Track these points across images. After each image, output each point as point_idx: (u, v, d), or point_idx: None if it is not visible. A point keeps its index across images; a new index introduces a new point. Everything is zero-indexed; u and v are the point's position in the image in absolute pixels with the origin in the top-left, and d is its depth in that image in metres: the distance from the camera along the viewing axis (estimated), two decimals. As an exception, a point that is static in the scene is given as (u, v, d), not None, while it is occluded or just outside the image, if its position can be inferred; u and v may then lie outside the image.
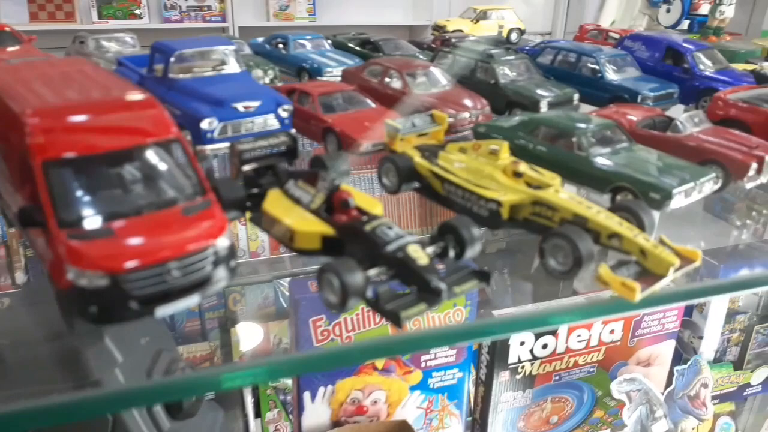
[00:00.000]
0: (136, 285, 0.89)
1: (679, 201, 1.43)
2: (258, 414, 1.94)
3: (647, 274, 1.09)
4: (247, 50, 2.80)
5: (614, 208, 1.23)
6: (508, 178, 1.30)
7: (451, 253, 1.10)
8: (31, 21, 5.65)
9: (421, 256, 1.01)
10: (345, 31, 3.59)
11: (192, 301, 0.96)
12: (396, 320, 0.95)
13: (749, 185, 1.63)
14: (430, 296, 0.98)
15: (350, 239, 1.08)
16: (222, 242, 0.97)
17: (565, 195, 1.24)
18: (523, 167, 1.30)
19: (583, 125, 1.63)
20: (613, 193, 1.50)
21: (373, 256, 1.02)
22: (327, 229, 1.11)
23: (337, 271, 0.95)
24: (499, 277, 2.68)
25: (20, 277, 2.56)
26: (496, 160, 1.34)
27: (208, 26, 6.10)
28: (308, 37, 2.89)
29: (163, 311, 0.92)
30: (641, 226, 1.20)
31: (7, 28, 2.55)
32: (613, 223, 1.16)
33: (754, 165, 1.61)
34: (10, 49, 2.42)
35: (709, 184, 1.51)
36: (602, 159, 1.56)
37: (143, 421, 1.12)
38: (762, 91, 2.01)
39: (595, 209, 1.19)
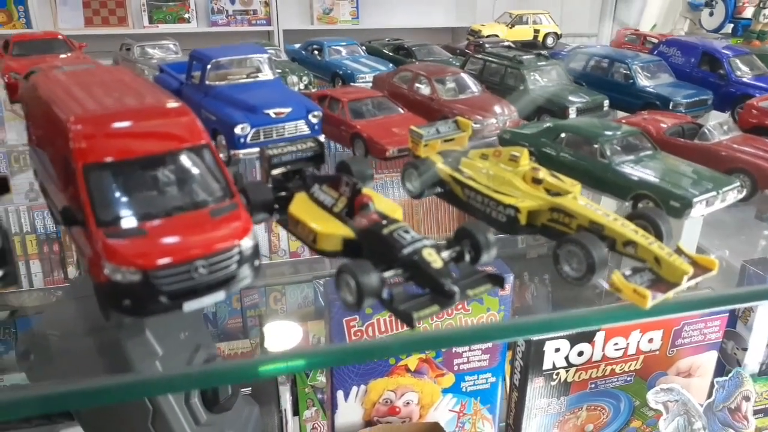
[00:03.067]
0: (166, 281, 0.95)
1: (699, 210, 1.43)
2: (296, 412, 2.00)
3: (661, 282, 1.11)
4: (284, 56, 2.88)
5: (632, 216, 1.25)
6: (528, 184, 1.32)
7: (467, 258, 1.14)
8: (87, 25, 5.89)
9: (435, 259, 1.05)
10: (387, 35, 3.64)
11: (218, 297, 1.02)
12: (408, 320, 0.99)
13: (777, 194, 1.61)
14: (443, 298, 1.02)
15: (368, 242, 1.13)
16: (246, 242, 1.03)
17: (583, 202, 1.26)
18: (542, 174, 1.32)
19: (606, 132, 1.64)
20: (634, 201, 1.51)
21: (390, 259, 1.06)
22: (347, 232, 1.16)
23: (353, 272, 1.00)
24: (540, 283, 2.67)
25: (72, 272, 2.69)
26: (516, 166, 1.37)
27: (253, 29, 6.24)
28: (343, 43, 2.95)
29: (190, 306, 0.99)
30: (659, 235, 1.21)
31: (60, 36, 2.69)
32: (629, 230, 1.17)
33: (783, 174, 1.59)
34: (62, 56, 2.54)
35: (732, 194, 1.50)
36: (624, 166, 1.57)
37: (181, 411, 1.19)
38: (796, 99, 1.97)
39: (612, 216, 1.21)
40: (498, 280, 1.09)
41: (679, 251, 1.15)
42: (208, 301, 1.01)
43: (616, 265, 1.18)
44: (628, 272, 1.11)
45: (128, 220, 1.00)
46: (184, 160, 1.09)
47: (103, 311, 1.03)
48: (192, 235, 1.00)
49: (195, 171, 1.09)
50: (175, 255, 0.96)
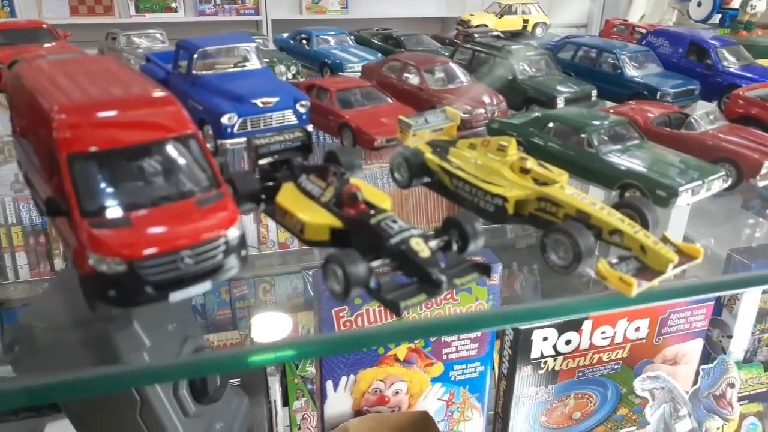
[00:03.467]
0: (152, 271, 0.95)
1: (685, 199, 1.44)
2: (286, 403, 2.00)
3: (646, 270, 1.11)
4: (272, 46, 2.86)
5: (619, 205, 1.25)
6: (515, 174, 1.33)
7: (455, 247, 1.14)
8: (72, 15, 5.83)
9: (423, 248, 1.05)
10: (377, 24, 3.62)
11: (204, 287, 1.01)
12: (396, 309, 0.99)
13: (762, 183, 1.62)
14: (431, 288, 1.02)
15: (357, 231, 1.13)
16: (233, 232, 1.03)
17: (570, 191, 1.26)
18: (530, 163, 1.33)
19: (593, 122, 1.65)
20: (621, 190, 1.52)
21: (378, 248, 1.06)
22: (335, 222, 1.15)
23: (340, 262, 1.00)
24: (529, 273, 2.69)
25: (58, 263, 2.67)
26: (504, 156, 1.37)
27: (242, 19, 6.20)
28: (331, 32, 2.93)
29: (176, 296, 0.98)
30: (645, 223, 1.22)
31: (44, 25, 2.65)
32: (615, 219, 1.18)
33: (767, 163, 1.60)
34: (47, 45, 2.51)
35: (717, 183, 1.51)
36: (612, 156, 1.57)
37: (169, 403, 1.18)
38: (782, 89, 1.99)
39: (599, 206, 1.22)
40: (485, 270, 1.10)
41: (664, 240, 1.16)
42: (194, 291, 1.00)
43: (605, 253, 1.19)
44: (614, 260, 1.11)
45: (113, 210, 0.99)
46: (170, 149, 1.08)
47: (89, 302, 1.02)
48: (178, 225, 1.00)
49: (181, 161, 1.08)
50: (161, 245, 0.96)
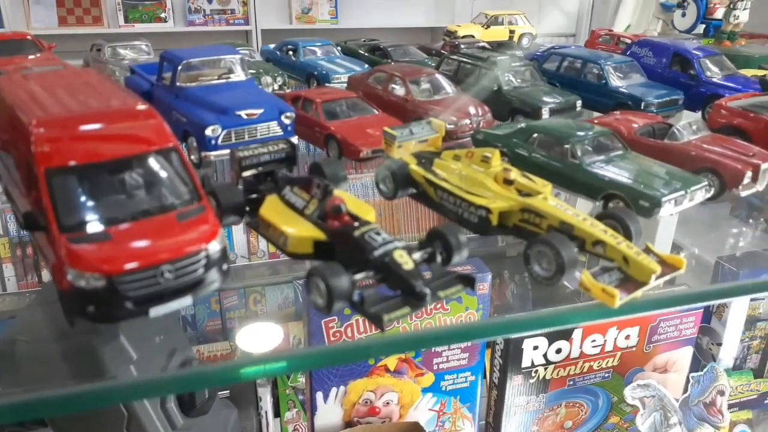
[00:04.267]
0: (131, 286, 0.94)
1: (668, 209, 1.45)
2: (277, 413, 1.98)
3: (629, 281, 1.12)
4: (258, 57, 2.86)
5: (602, 216, 1.26)
6: (499, 185, 1.33)
7: (439, 259, 1.14)
8: (60, 25, 5.82)
9: (406, 261, 1.05)
10: (367, 34, 3.63)
11: (185, 302, 1.01)
12: (378, 323, 0.99)
13: (744, 193, 1.63)
14: (414, 300, 1.02)
15: (340, 244, 1.12)
16: (214, 246, 1.02)
17: (553, 202, 1.27)
18: (513, 174, 1.33)
19: (577, 133, 1.65)
20: (605, 201, 1.52)
21: (361, 261, 1.06)
22: (319, 234, 1.15)
23: (323, 275, 0.99)
24: (520, 282, 2.69)
25: (46, 275, 2.64)
26: (488, 167, 1.37)
27: (231, 29, 6.22)
28: (318, 43, 2.94)
29: (157, 311, 0.98)
30: (627, 234, 1.22)
31: (29, 37, 2.64)
32: (598, 230, 1.18)
33: (749, 173, 1.61)
34: (31, 57, 2.50)
35: (701, 192, 1.52)
36: (595, 167, 1.58)
37: (157, 416, 1.17)
38: (763, 99, 2.00)
39: (582, 217, 1.22)
40: (469, 281, 1.10)
41: (647, 250, 1.17)
42: (174, 306, 0.99)
43: (592, 265, 1.19)
44: (597, 272, 1.12)
45: (92, 225, 0.98)
46: (151, 163, 1.07)
47: (68, 318, 1.01)
48: (158, 239, 0.99)
49: (161, 174, 1.08)
50: (141, 260, 0.95)
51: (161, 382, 1.07)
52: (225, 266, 1.05)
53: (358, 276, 1.04)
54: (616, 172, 1.55)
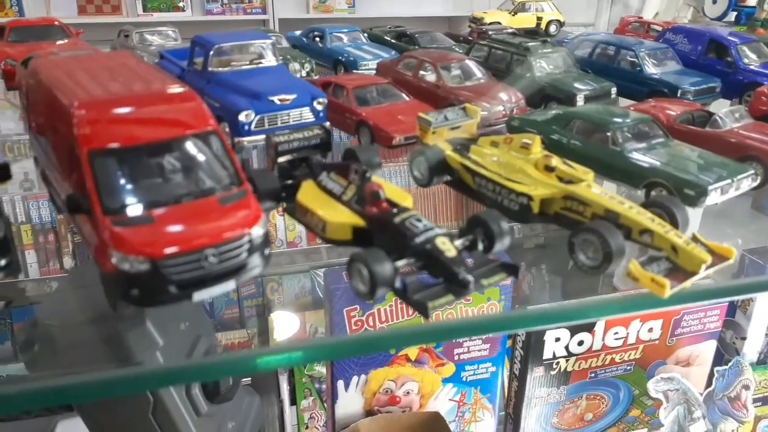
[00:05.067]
0: (175, 270, 0.93)
1: (714, 198, 1.41)
2: (293, 401, 1.98)
3: (678, 271, 1.09)
4: (285, 43, 2.84)
5: (647, 204, 1.23)
6: (540, 172, 1.30)
7: (480, 246, 1.11)
8: (80, 14, 5.86)
9: (449, 248, 1.03)
10: (383, 24, 3.60)
11: (228, 286, 0.99)
12: (423, 310, 0.97)
13: (790, 183, 1.59)
14: (457, 288, 1.00)
15: (380, 230, 1.11)
16: (257, 231, 1.01)
17: (597, 190, 1.23)
18: (554, 161, 1.30)
19: (617, 120, 1.62)
20: (647, 189, 1.49)
21: (402, 248, 1.04)
22: (358, 221, 1.13)
23: (366, 261, 0.97)
24: (537, 273, 2.66)
25: (68, 262, 2.66)
26: (528, 154, 1.34)
27: (248, 18, 6.22)
28: (345, 30, 2.91)
29: (200, 296, 0.96)
30: (674, 223, 1.19)
31: (56, 23, 2.64)
32: (645, 219, 1.15)
33: (795, 162, 1.57)
34: (59, 42, 2.50)
35: (746, 181, 1.48)
36: (637, 154, 1.54)
37: (182, 402, 1.17)
38: (807, 86, 1.95)
39: (627, 204, 1.19)
40: (512, 270, 1.08)
41: (695, 239, 1.14)
42: (218, 290, 0.98)
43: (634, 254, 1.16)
44: (645, 261, 1.09)
45: (135, 208, 0.97)
46: (191, 146, 1.06)
47: (111, 301, 1.00)
48: (201, 223, 0.98)
49: (202, 158, 1.06)
50: (185, 243, 0.94)
51: (188, 369, 1.07)
52: (267, 251, 1.04)
53: (400, 263, 1.02)
54: (658, 159, 1.51)
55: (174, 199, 1.00)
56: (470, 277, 1.00)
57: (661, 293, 1.03)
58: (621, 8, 5.93)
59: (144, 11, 5.97)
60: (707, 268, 1.08)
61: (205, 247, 0.94)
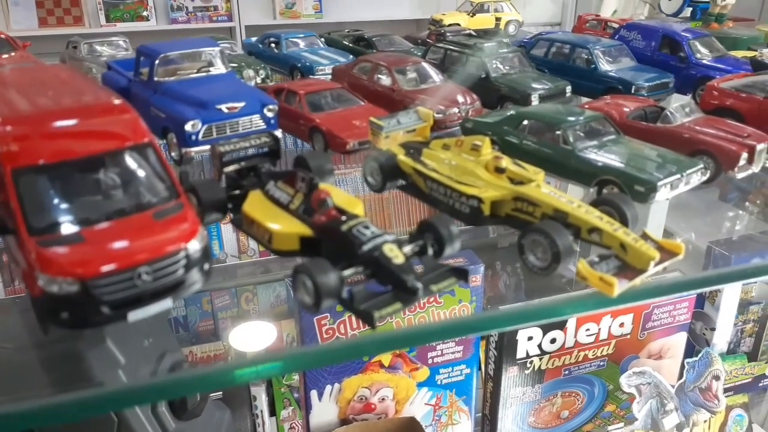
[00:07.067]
0: (107, 290, 0.89)
1: (664, 193, 1.41)
2: (273, 412, 1.95)
3: (627, 269, 1.08)
4: (239, 50, 2.80)
5: (597, 202, 1.22)
6: (490, 173, 1.29)
7: (430, 251, 1.09)
8: (41, 26, 5.74)
9: (397, 254, 1.01)
10: (352, 27, 3.59)
11: (165, 304, 0.96)
12: (369, 320, 0.95)
13: (740, 175, 1.61)
14: (406, 295, 0.98)
15: (327, 239, 1.08)
16: (194, 245, 0.98)
17: (546, 190, 1.23)
18: (504, 162, 1.29)
19: (568, 118, 1.62)
20: (598, 187, 1.49)
21: (350, 256, 1.02)
22: (305, 230, 1.11)
23: (309, 272, 0.95)
24: (512, 272, 2.66)
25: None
26: (478, 155, 1.33)
27: (215, 26, 6.15)
28: (301, 35, 2.88)
29: (136, 315, 0.93)
30: (624, 220, 1.19)
31: (2, 36, 2.57)
32: (593, 217, 1.14)
33: (744, 155, 1.58)
34: (5, 56, 2.42)
35: (696, 176, 1.49)
36: (588, 152, 1.54)
37: (148, 421, 1.13)
38: (756, 79, 1.97)
39: (576, 204, 1.18)
40: (462, 274, 1.06)
41: (645, 236, 1.13)
42: (154, 309, 0.95)
43: (584, 253, 1.16)
44: (594, 260, 1.08)
45: (64, 227, 0.93)
46: (125, 160, 1.02)
47: (42, 325, 0.96)
48: (134, 239, 0.94)
49: (137, 171, 1.03)
50: (116, 261, 0.90)
51: (152, 387, 1.02)
52: (206, 266, 1.01)
53: (347, 272, 0.99)
54: (609, 157, 1.51)
55: (105, 215, 0.96)
56: (419, 284, 0.98)
57: (609, 292, 1.02)
58: (586, 6, 6.03)
59: (107, 21, 5.86)
60: (656, 264, 1.07)
61: (138, 264, 0.91)
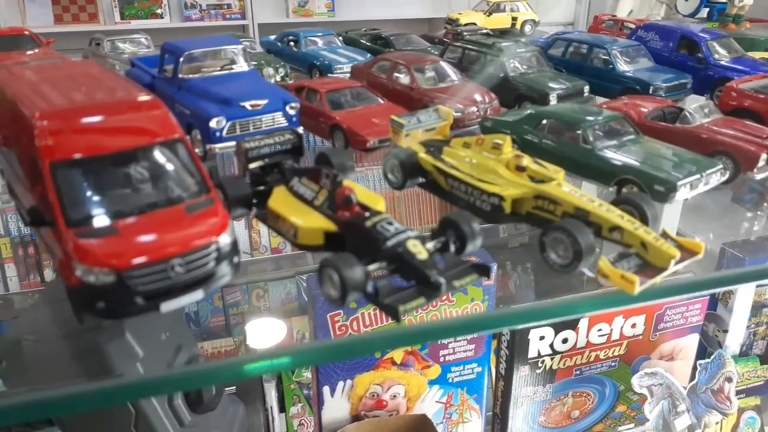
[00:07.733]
0: (141, 281, 0.92)
1: (684, 193, 1.42)
2: (282, 409, 1.97)
3: (648, 267, 1.09)
4: (259, 48, 2.83)
5: (617, 201, 1.23)
6: (511, 172, 1.30)
7: (452, 248, 1.11)
8: (56, 23, 5.78)
9: (420, 250, 1.03)
10: (364, 26, 3.59)
11: (196, 296, 0.99)
12: (394, 314, 0.97)
13: (759, 176, 1.61)
14: (429, 290, 0.99)
15: (351, 235, 1.10)
16: (224, 239, 1.00)
17: (567, 188, 1.24)
18: (525, 161, 1.30)
19: (588, 118, 1.63)
20: (618, 186, 1.50)
21: (374, 252, 1.04)
22: (329, 225, 1.13)
23: (336, 266, 0.97)
24: (523, 272, 2.67)
25: (49, 274, 2.62)
26: (499, 154, 1.34)
27: (228, 24, 6.16)
28: (319, 33, 2.90)
29: (168, 306, 0.95)
30: (644, 219, 1.20)
31: (26, 32, 2.61)
32: (614, 216, 1.16)
33: (764, 155, 1.59)
34: (29, 52, 2.47)
35: (715, 176, 1.49)
36: (608, 152, 1.55)
37: (164, 414, 1.15)
38: (775, 80, 1.98)
39: (597, 202, 1.19)
40: (484, 270, 1.07)
41: (665, 235, 1.14)
42: (186, 300, 0.97)
43: (605, 253, 1.17)
44: (615, 258, 1.09)
45: (100, 219, 0.96)
46: (157, 155, 1.05)
47: (77, 315, 0.99)
48: (167, 232, 0.97)
49: (168, 166, 1.05)
50: (150, 254, 0.93)
51: (168, 379, 1.05)
52: (236, 259, 1.03)
53: (371, 267, 1.01)
54: (629, 156, 1.52)
55: (139, 208, 0.99)
56: (442, 280, 0.99)
57: (630, 290, 1.03)
58: (600, 6, 6.00)
59: (122, 19, 5.90)
60: (677, 263, 1.08)
61: (171, 256, 0.93)
